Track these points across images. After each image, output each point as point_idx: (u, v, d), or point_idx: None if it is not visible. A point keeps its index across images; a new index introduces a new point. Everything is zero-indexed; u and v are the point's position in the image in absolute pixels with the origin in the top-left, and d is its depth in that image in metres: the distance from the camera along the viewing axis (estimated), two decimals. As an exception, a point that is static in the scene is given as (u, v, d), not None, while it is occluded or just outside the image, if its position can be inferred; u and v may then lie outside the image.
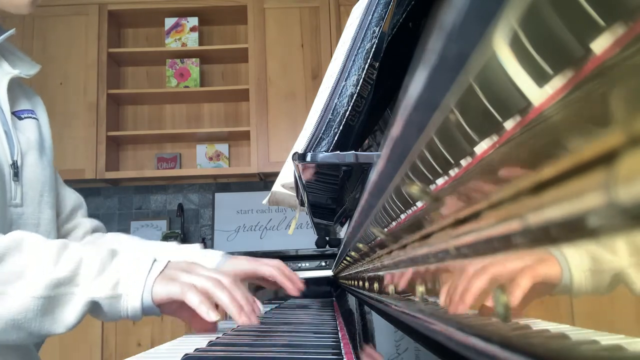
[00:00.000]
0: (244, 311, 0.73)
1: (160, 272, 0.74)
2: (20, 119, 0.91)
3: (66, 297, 0.70)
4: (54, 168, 0.98)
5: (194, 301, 0.70)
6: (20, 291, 0.67)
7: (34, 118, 0.94)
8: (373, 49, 0.49)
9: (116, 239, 1.02)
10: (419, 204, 0.23)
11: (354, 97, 0.49)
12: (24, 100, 0.95)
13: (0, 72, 0.90)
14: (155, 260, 0.76)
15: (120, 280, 0.72)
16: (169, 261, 0.77)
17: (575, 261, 0.11)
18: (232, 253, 3.20)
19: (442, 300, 0.22)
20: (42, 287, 0.67)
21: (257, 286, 1.66)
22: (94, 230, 1.05)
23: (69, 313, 0.70)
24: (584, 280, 0.11)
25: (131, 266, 0.74)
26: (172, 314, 0.79)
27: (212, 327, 0.78)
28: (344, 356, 0.51)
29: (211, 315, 0.70)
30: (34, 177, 0.89)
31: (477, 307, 0.18)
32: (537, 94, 0.11)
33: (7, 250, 0.68)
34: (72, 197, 1.04)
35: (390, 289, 0.36)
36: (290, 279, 0.93)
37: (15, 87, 0.94)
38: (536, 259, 0.13)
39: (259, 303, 0.86)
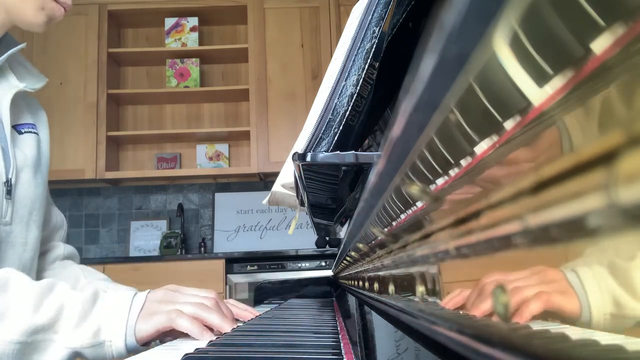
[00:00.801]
0: (235, 325, 0.75)
1: (142, 308, 0.74)
2: (20, 133, 0.90)
3: (44, 344, 0.70)
4: (47, 185, 0.97)
5: (185, 325, 0.71)
6: None
7: (34, 132, 0.93)
8: (373, 49, 0.49)
9: (81, 273, 0.98)
10: (419, 204, 0.23)
11: (354, 97, 0.49)
12: (26, 114, 0.94)
13: (6, 86, 0.89)
14: (136, 294, 0.76)
15: (102, 327, 0.72)
16: (149, 291, 0.77)
17: (597, 302, 0.11)
18: (232, 253, 3.16)
19: (446, 310, 0.22)
20: (19, 333, 0.67)
21: (257, 287, 1.66)
22: (66, 257, 1.03)
23: (48, 359, 0.70)
24: (603, 321, 0.11)
25: (112, 309, 0.73)
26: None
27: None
28: (344, 356, 0.51)
29: (205, 336, 0.70)
30: (26, 195, 0.88)
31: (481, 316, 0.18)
32: (537, 94, 0.11)
33: None
34: (56, 217, 1.03)
35: (390, 289, 0.36)
36: (235, 306, 0.87)
37: (20, 100, 0.93)
38: (557, 290, 0.13)
39: (251, 309, 0.88)
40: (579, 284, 0.12)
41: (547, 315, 0.13)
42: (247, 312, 0.88)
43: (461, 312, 0.19)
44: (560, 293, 0.12)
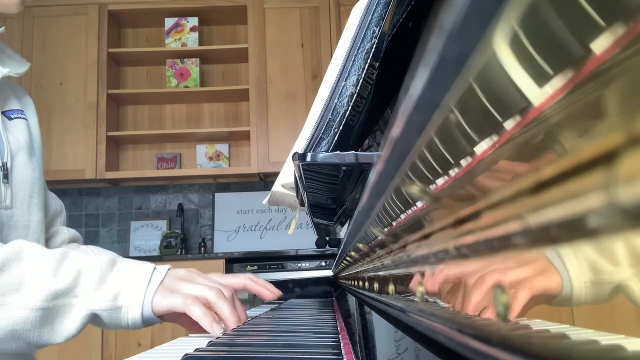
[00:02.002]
0: (241, 323, 0.75)
1: (161, 282, 0.75)
2: (10, 119, 0.90)
3: (65, 308, 0.70)
4: (42, 170, 0.97)
5: (197, 314, 0.71)
6: (19, 302, 0.67)
7: (23, 118, 0.94)
8: (373, 49, 0.49)
9: (90, 251, 0.99)
10: (419, 204, 0.23)
11: (354, 97, 0.49)
12: (13, 100, 0.94)
13: None
14: (155, 268, 0.77)
15: (121, 292, 0.72)
16: (168, 268, 0.78)
17: (576, 272, 0.11)
18: (232, 253, 3.16)
19: (441, 305, 0.22)
20: (41, 299, 0.68)
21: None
22: (72, 240, 1.04)
23: (69, 324, 0.71)
24: (584, 291, 0.11)
25: (131, 276, 0.74)
26: (172, 321, 0.80)
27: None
28: (344, 356, 0.51)
29: (215, 329, 0.70)
30: (24, 178, 0.88)
31: (476, 312, 0.18)
32: (537, 94, 0.11)
33: (7, 260, 0.68)
34: (54, 203, 1.04)
35: (390, 289, 0.36)
36: (265, 286, 0.88)
37: (5, 86, 0.93)
38: (536, 270, 0.13)
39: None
40: (557, 258, 0.12)
41: (535, 299, 0.13)
42: (265, 289, 0.88)
43: (461, 312, 0.19)
44: (541, 273, 0.13)
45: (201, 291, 0.74)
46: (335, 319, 0.88)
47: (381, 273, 0.42)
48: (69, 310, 0.71)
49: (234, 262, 2.75)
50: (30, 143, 0.93)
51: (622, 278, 0.09)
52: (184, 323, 0.79)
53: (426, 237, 0.23)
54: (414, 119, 0.17)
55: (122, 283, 0.73)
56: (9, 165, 0.86)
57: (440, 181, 0.19)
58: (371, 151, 0.54)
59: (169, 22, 3.26)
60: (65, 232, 1.03)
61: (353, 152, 0.47)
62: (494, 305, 0.16)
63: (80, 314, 0.71)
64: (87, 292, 0.71)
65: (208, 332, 0.76)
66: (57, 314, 0.70)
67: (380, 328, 0.45)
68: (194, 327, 0.78)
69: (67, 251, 0.74)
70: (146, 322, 0.74)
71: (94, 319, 0.73)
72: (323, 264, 2.75)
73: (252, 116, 3.09)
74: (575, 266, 0.11)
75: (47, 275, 0.69)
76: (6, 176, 0.85)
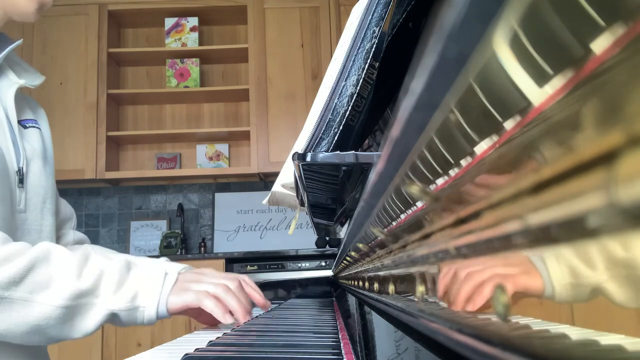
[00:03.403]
0: (249, 314, 0.85)
1: (174, 285, 0.83)
2: (25, 127, 0.94)
3: (87, 307, 0.77)
4: (54, 178, 1.01)
5: (210, 306, 0.81)
6: (45, 300, 0.73)
7: (37, 127, 0.98)
8: (373, 49, 0.49)
9: (92, 250, 1.03)
10: (419, 204, 0.23)
11: (354, 97, 0.49)
12: (27, 111, 0.98)
13: (7, 82, 0.92)
14: (166, 273, 0.85)
15: (138, 293, 0.80)
16: (179, 273, 0.86)
17: (557, 274, 0.12)
18: (232, 253, 3.15)
19: (441, 305, 0.22)
20: (65, 297, 0.74)
21: (261, 285, 1.66)
22: (76, 242, 1.08)
23: (89, 321, 0.77)
24: (565, 292, 0.12)
25: (147, 279, 0.83)
26: (182, 314, 0.88)
27: (217, 322, 0.87)
28: (344, 356, 0.51)
29: (227, 318, 0.80)
30: (38, 184, 0.92)
31: (474, 309, 0.18)
32: (537, 94, 0.11)
33: (37, 260, 0.74)
34: (65, 209, 1.08)
35: (390, 289, 0.36)
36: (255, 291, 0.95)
37: (20, 98, 0.97)
38: (520, 270, 0.14)
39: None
40: (539, 261, 0.13)
41: (518, 295, 0.14)
42: (261, 298, 0.94)
43: (461, 312, 0.19)
44: (525, 274, 0.14)
45: (210, 288, 0.83)
46: (335, 319, 0.88)
47: (381, 273, 0.42)
48: (90, 309, 0.77)
49: (234, 262, 2.75)
50: (44, 151, 0.97)
51: (599, 280, 0.10)
52: (192, 314, 0.87)
53: (426, 237, 0.23)
54: (414, 119, 0.17)
55: (139, 285, 0.81)
56: (24, 170, 0.89)
57: (440, 181, 0.19)
58: (371, 151, 0.54)
59: (169, 22, 3.26)
60: (71, 235, 1.07)
61: (353, 152, 0.47)
62: (494, 306, 0.16)
63: (101, 313, 0.77)
64: (107, 293, 0.78)
65: (215, 324, 0.87)
66: (79, 312, 0.76)
67: (380, 328, 0.45)
68: (199, 318, 0.88)
69: (88, 254, 0.81)
70: (159, 319, 0.82)
71: (112, 318, 0.79)
72: (323, 264, 2.75)
73: (252, 116, 3.09)
74: (556, 269, 0.12)
75: (72, 276, 0.76)
76: (21, 181, 0.88)
